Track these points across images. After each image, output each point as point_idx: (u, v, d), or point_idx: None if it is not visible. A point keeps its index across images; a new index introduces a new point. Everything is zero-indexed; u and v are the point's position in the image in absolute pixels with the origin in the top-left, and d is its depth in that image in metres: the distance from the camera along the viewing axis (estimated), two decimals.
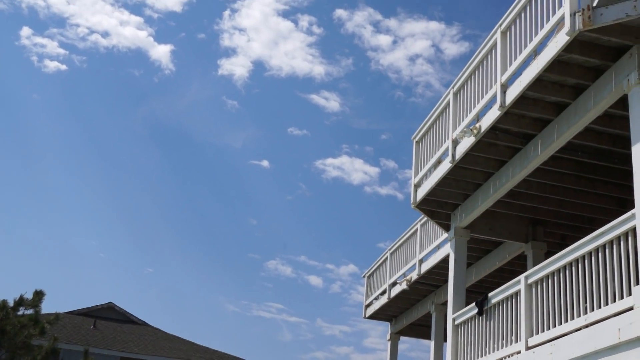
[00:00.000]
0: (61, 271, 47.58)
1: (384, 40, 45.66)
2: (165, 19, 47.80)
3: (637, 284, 7.01)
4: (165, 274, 49.55)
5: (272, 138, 51.65)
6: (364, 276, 19.91)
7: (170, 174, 50.81)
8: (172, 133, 50.08)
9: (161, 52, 46.93)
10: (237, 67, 46.74)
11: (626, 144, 9.03)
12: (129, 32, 46.64)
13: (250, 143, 50.79)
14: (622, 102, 8.13)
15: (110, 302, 31.23)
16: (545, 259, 11.58)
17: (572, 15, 7.49)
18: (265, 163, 48.01)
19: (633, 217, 7.16)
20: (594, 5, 7.42)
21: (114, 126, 49.39)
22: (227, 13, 47.52)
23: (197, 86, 49.64)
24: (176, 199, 50.13)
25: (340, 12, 45.45)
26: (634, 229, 7.15)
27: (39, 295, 15.03)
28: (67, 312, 29.80)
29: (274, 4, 45.68)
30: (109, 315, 30.89)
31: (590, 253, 7.88)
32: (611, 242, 7.53)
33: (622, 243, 7.35)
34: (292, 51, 46.72)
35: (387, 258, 17.89)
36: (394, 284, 17.33)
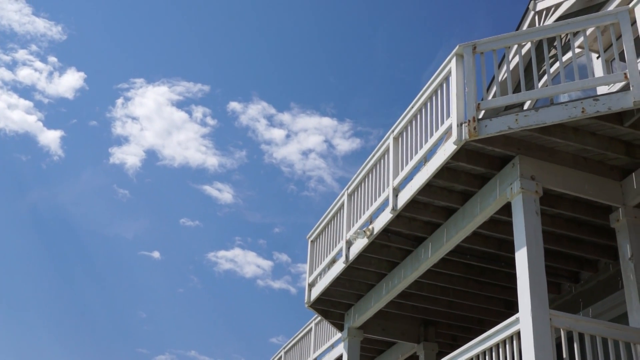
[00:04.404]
0: None
1: (277, 134, 46.59)
2: (56, 105, 47.14)
3: None
4: None
5: (164, 228, 50.88)
6: None
7: (55, 266, 49.00)
8: (58, 222, 48.62)
9: (50, 138, 46.05)
10: (129, 156, 46.34)
11: (511, 248, 9.39)
12: (17, 115, 45.69)
13: (141, 233, 49.79)
14: (507, 209, 8.49)
15: None
16: (437, 359, 11.72)
17: (459, 125, 7.87)
18: (156, 254, 47.07)
19: (517, 321, 7.37)
20: (480, 117, 7.84)
21: None
22: (120, 101, 47.46)
23: (87, 174, 48.73)
24: (60, 292, 48.20)
25: (234, 105, 46.25)
26: (518, 333, 7.36)
27: None
28: None
29: (168, 94, 45.96)
30: None
31: (478, 356, 8.04)
32: (497, 345, 7.71)
33: (507, 346, 7.54)
34: (185, 141, 46.86)
35: (281, 357, 17.65)
36: None
